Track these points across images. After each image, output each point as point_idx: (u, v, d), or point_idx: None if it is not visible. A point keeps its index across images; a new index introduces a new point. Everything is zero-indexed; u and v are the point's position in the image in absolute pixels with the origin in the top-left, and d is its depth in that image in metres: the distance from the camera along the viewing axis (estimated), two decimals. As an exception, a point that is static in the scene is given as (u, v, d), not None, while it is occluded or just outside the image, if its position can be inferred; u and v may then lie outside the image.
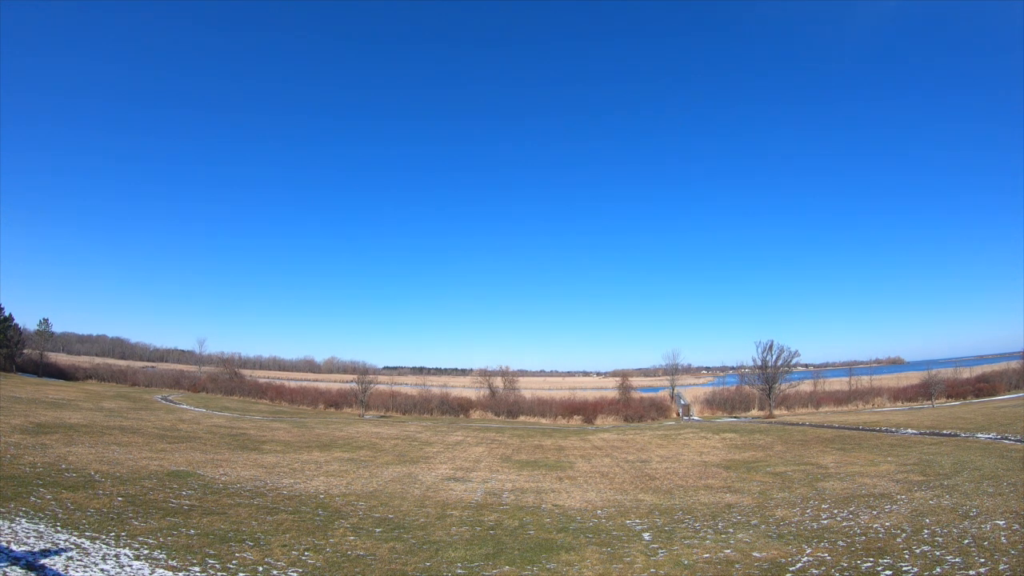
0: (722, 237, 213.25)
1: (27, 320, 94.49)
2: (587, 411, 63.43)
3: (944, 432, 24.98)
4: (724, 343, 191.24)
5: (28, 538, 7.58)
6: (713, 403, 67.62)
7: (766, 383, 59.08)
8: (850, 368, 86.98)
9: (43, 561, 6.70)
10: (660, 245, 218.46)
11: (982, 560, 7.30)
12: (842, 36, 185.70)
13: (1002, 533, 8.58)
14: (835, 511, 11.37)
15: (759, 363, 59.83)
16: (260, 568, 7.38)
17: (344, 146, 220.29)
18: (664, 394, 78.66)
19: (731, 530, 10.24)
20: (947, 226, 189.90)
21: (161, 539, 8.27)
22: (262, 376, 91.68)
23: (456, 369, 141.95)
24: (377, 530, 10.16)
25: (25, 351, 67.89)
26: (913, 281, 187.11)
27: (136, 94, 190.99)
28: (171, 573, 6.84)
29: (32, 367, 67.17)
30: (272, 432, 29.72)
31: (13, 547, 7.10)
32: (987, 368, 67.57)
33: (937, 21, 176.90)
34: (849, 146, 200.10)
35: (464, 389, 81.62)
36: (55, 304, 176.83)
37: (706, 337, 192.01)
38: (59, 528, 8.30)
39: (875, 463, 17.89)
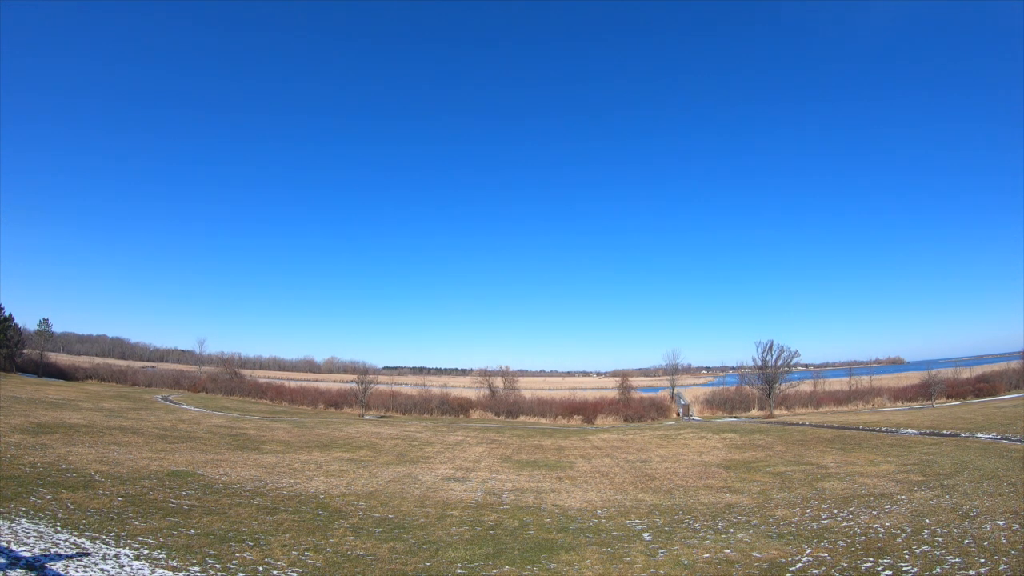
0: (722, 237, 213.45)
1: (27, 320, 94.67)
2: (587, 411, 63.43)
3: (944, 432, 24.98)
4: (724, 343, 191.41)
5: (28, 538, 7.58)
6: (713, 403, 67.62)
7: (766, 383, 59.09)
8: (850, 368, 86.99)
9: (43, 561, 6.70)
10: (660, 245, 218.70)
11: (982, 560, 7.30)
12: (843, 36, 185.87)
13: (1002, 533, 8.58)
14: (835, 511, 11.36)
15: (759, 363, 59.85)
16: (260, 568, 7.38)
17: (344, 146, 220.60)
18: (664, 394, 78.66)
19: (731, 530, 10.24)
20: (947, 226, 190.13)
21: (161, 539, 8.27)
22: (262, 376, 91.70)
23: (456, 369, 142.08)
24: (377, 530, 10.16)
25: (25, 351, 67.90)
26: (913, 281, 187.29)
27: (136, 94, 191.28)
28: (171, 573, 6.84)
29: (32, 367, 67.18)
30: (272, 432, 29.73)
31: (13, 547, 7.10)
32: (987, 368, 67.58)
33: (937, 21, 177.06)
34: (849, 146, 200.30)
35: (464, 389, 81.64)
36: (55, 304, 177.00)
37: (706, 337, 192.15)
38: (59, 528, 8.30)
39: (875, 463, 17.89)
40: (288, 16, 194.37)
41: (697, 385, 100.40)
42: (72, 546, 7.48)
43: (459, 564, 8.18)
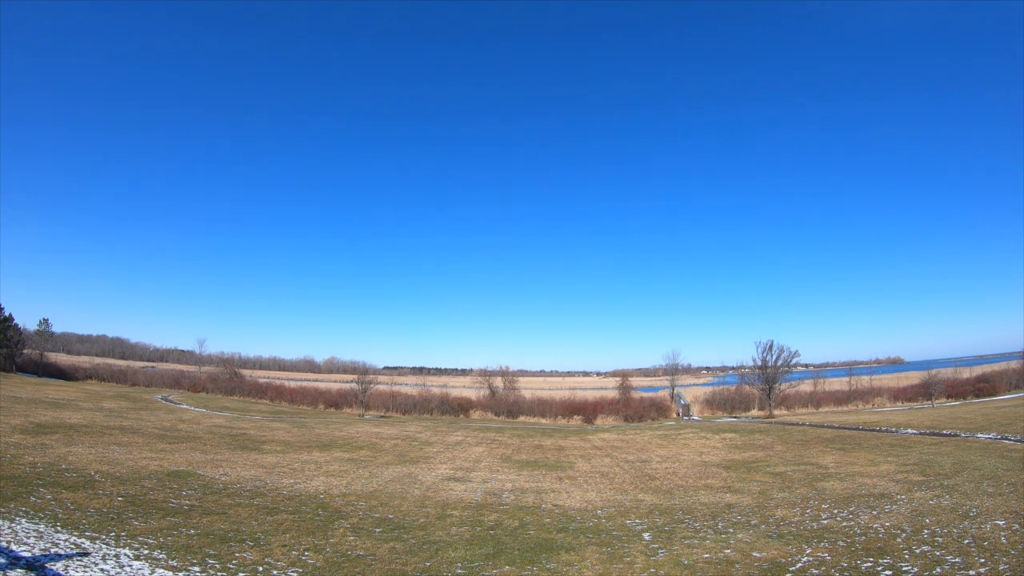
0: (722, 237, 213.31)
1: (27, 320, 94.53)
2: (587, 411, 63.44)
3: (944, 432, 24.98)
4: (724, 343, 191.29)
5: (28, 538, 7.58)
6: (713, 403, 67.62)
7: (766, 383, 59.08)
8: (850, 368, 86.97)
9: (43, 561, 6.70)
10: (660, 245, 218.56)
11: (982, 560, 7.30)
12: (843, 36, 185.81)
13: (1002, 533, 8.58)
14: (835, 511, 11.36)
15: (759, 363, 59.85)
16: (260, 568, 7.38)
17: (344, 146, 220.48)
18: (664, 394, 78.65)
19: (731, 530, 10.24)
20: (947, 226, 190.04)
21: (161, 539, 8.27)
22: (262, 376, 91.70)
23: (456, 369, 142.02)
24: (377, 530, 10.16)
25: (25, 351, 67.89)
26: (913, 281, 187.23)
27: (136, 94, 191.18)
28: (171, 573, 6.84)
29: (32, 367, 67.18)
30: (272, 432, 29.73)
31: (13, 547, 7.10)
32: (987, 368, 67.57)
33: (937, 21, 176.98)
34: (849, 146, 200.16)
35: (464, 389, 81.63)
36: (55, 304, 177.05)
37: (706, 337, 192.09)
38: (59, 528, 8.30)
39: (875, 463, 17.89)
40: (288, 16, 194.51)
41: (697, 385, 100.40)
42: (72, 546, 7.48)
43: (459, 564, 8.18)
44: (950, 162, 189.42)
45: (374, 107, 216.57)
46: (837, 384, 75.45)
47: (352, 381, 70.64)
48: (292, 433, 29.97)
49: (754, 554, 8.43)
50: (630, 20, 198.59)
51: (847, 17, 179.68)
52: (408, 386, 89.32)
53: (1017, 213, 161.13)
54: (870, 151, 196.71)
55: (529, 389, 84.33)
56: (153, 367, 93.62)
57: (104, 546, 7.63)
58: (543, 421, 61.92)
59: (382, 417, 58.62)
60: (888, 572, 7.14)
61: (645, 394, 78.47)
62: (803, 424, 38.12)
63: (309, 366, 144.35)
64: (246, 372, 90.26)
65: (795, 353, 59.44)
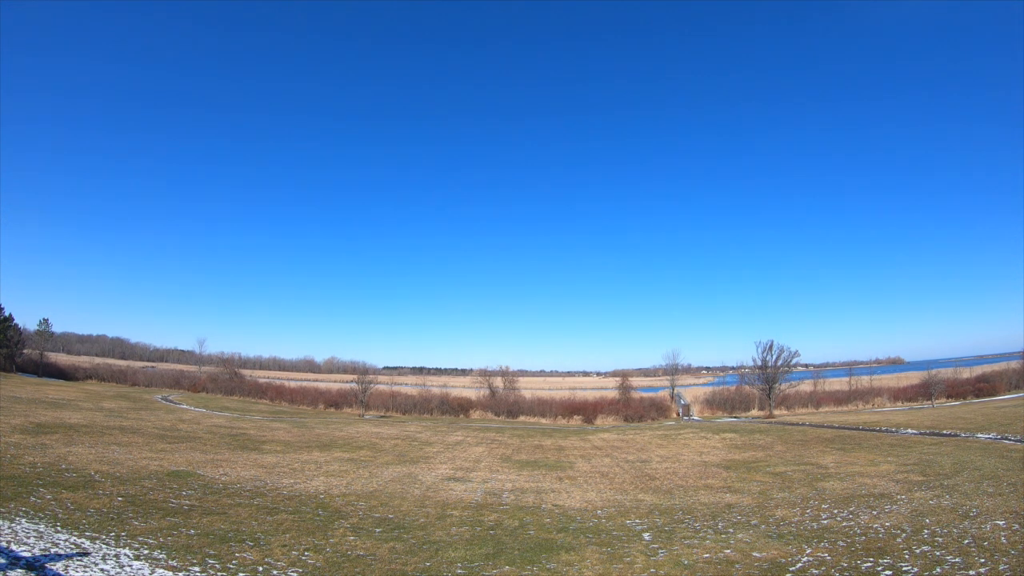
0: (722, 237, 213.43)
1: (27, 320, 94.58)
2: (587, 411, 63.43)
3: (944, 432, 24.98)
4: (724, 343, 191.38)
5: (28, 538, 7.58)
6: (713, 403, 67.62)
7: (766, 383, 59.08)
8: (850, 368, 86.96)
9: (43, 561, 6.70)
10: (660, 245, 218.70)
11: (982, 560, 7.30)
12: (843, 36, 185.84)
13: (1002, 533, 8.58)
14: (835, 511, 11.36)
15: (759, 363, 59.85)
16: (260, 568, 7.38)
17: (344, 146, 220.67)
18: (664, 394, 78.65)
19: (731, 530, 10.24)
20: (947, 226, 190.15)
21: (161, 539, 8.27)
22: (262, 376, 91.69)
23: (456, 369, 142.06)
24: (377, 530, 10.16)
25: (25, 351, 67.89)
26: (913, 281, 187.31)
27: (136, 94, 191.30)
28: (171, 573, 6.84)
29: (32, 367, 67.18)
30: (272, 432, 29.73)
31: (13, 547, 7.10)
32: (987, 368, 67.56)
33: (937, 21, 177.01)
34: (849, 146, 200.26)
35: (464, 389, 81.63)
36: (55, 304, 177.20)
37: (706, 337, 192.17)
38: (59, 528, 8.30)
39: (875, 463, 17.89)
40: (288, 16, 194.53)
41: (697, 385, 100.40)
42: (72, 546, 7.48)
43: (459, 564, 8.18)
44: (950, 162, 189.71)
45: (374, 107, 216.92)
46: (837, 384, 75.44)
47: (352, 381, 70.64)
48: (292, 433, 29.97)
49: (754, 554, 8.43)
50: (630, 20, 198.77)
51: (847, 17, 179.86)
52: (408, 386, 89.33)
53: (1017, 213, 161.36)
54: (870, 151, 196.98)
55: (529, 389, 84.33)
56: (153, 367, 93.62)
57: (104, 546, 7.63)
58: (543, 421, 61.92)
59: (382, 417, 58.62)
60: (888, 572, 7.14)
61: (645, 394, 78.46)
62: (803, 424, 38.12)
63: (309, 366, 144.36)
64: (246, 372, 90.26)
65: (795, 353, 59.51)
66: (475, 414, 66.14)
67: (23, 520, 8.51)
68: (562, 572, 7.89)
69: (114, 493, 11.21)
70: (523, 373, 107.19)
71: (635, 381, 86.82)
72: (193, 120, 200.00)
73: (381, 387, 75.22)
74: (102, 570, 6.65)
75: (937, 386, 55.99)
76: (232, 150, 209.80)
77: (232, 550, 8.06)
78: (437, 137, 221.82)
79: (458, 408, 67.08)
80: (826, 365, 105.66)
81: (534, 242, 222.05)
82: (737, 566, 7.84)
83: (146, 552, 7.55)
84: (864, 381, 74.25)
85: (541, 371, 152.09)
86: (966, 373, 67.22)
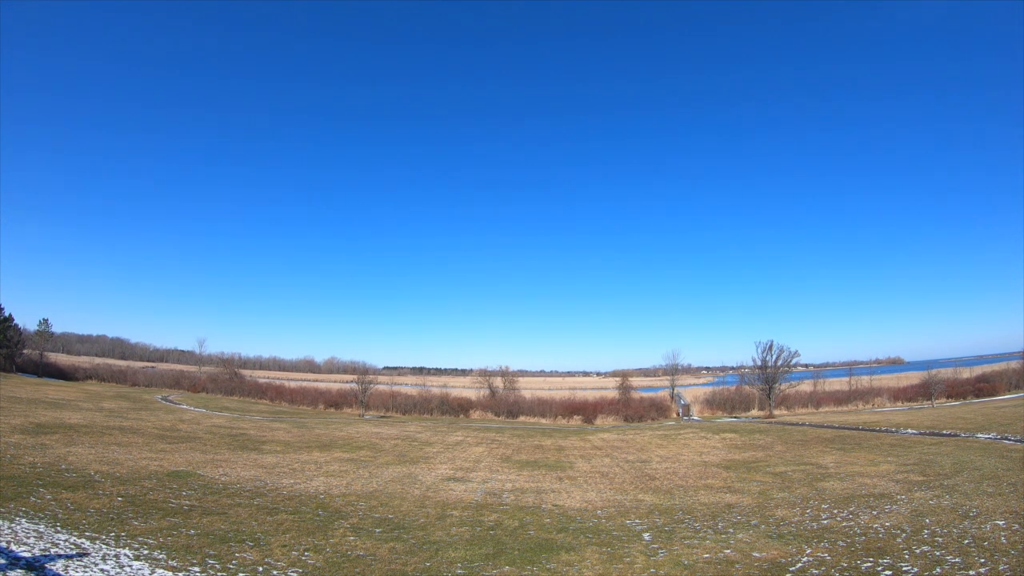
0: (722, 236, 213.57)
1: (27, 320, 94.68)
2: (587, 411, 63.42)
3: (944, 432, 24.97)
4: (724, 343, 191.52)
5: (28, 538, 7.58)
6: (713, 403, 67.61)
7: (766, 383, 59.07)
8: (850, 368, 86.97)
9: (43, 561, 6.69)
10: (660, 245, 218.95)
11: (982, 560, 7.30)
12: (843, 36, 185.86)
13: (1002, 533, 8.58)
14: (835, 511, 11.36)
15: (759, 363, 59.83)
16: (260, 568, 7.38)
17: (344, 146, 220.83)
18: (664, 394, 78.63)
19: (731, 530, 10.24)
20: (947, 226, 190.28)
21: (161, 539, 8.27)
22: (262, 376, 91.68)
23: (456, 369, 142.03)
24: (377, 530, 10.16)
25: (25, 351, 67.89)
26: (913, 281, 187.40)
27: (136, 94, 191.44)
28: (171, 573, 6.83)
29: (32, 367, 67.17)
30: (272, 432, 29.72)
31: (13, 547, 7.10)
32: (987, 368, 67.57)
33: (937, 21, 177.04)
34: (849, 146, 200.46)
35: (464, 389, 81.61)
36: (55, 304, 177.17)
37: (706, 337, 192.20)
38: (59, 528, 8.30)
39: (875, 463, 17.88)
40: (288, 16, 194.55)
41: (697, 385, 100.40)
42: (72, 546, 7.47)
43: (459, 564, 8.18)
44: (950, 162, 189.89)
45: (374, 107, 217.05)
46: (837, 384, 75.43)
47: (352, 381, 70.65)
48: (292, 433, 29.96)
49: (754, 554, 8.43)
50: (630, 20, 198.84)
51: (847, 17, 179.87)
52: (408, 386, 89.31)
53: (1017, 213, 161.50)
54: (870, 151, 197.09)
55: (529, 389, 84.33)
56: (153, 367, 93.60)
57: (104, 546, 7.63)
58: (543, 421, 61.91)
59: (382, 417, 58.61)
60: (888, 572, 7.14)
61: (645, 394, 78.45)
62: (803, 424, 38.12)
63: (309, 366, 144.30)
64: (246, 372, 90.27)
65: (795, 353, 59.49)
66: (475, 414, 66.13)
67: (23, 520, 8.51)
68: (562, 572, 7.89)
69: (114, 493, 11.21)
70: (523, 373, 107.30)
71: (635, 381, 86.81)
72: (193, 120, 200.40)
73: (381, 387, 75.22)
74: (102, 570, 6.65)
75: (937, 386, 55.98)
76: (232, 150, 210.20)
77: (232, 550, 8.06)
78: (437, 137, 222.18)
79: (458, 408, 67.06)
80: (826, 365, 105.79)
81: (534, 242, 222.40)
82: (737, 566, 7.84)
83: (146, 552, 7.55)
84: (864, 381, 74.24)
85: (541, 371, 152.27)
86: (966, 373, 67.21)
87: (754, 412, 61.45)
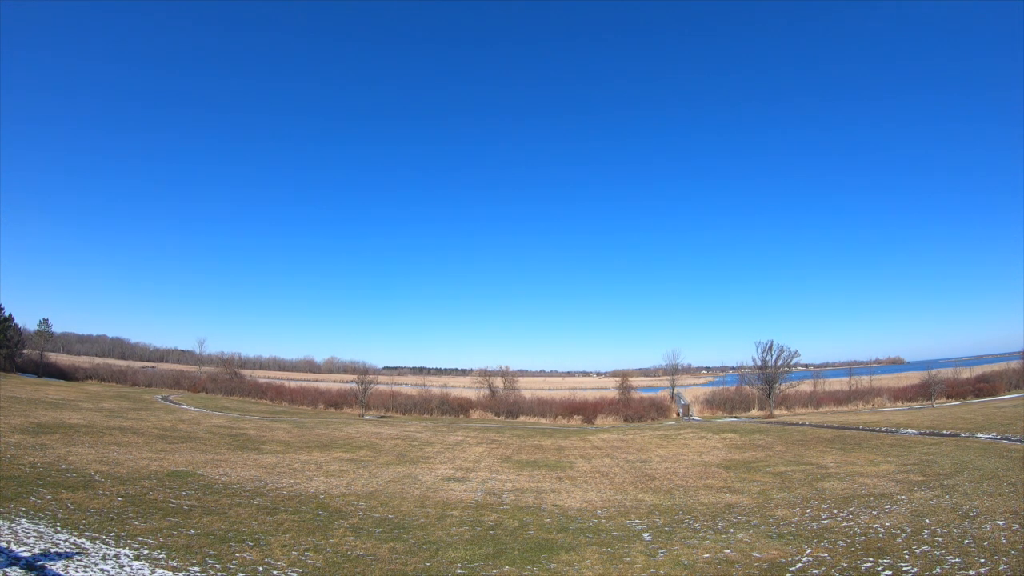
0: (722, 236, 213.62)
1: (27, 320, 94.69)
2: (587, 411, 63.41)
3: (944, 432, 24.97)
4: (724, 343, 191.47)
5: (28, 538, 7.58)
6: (713, 403, 67.59)
7: (766, 383, 59.06)
8: (850, 368, 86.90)
9: (43, 561, 6.69)
10: (660, 245, 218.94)
11: (982, 560, 7.30)
12: (843, 36, 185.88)
13: (1002, 533, 8.58)
14: (835, 511, 11.36)
15: (759, 363, 59.80)
16: (260, 568, 7.38)
17: (344, 146, 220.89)
18: (664, 394, 78.61)
19: (731, 530, 10.24)
20: (947, 226, 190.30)
21: (161, 539, 8.27)
22: (262, 376, 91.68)
23: (456, 369, 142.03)
24: (377, 530, 10.16)
25: (25, 351, 67.88)
26: (913, 281, 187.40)
27: (136, 94, 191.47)
28: (171, 573, 6.83)
29: (32, 367, 67.16)
30: (272, 432, 29.72)
31: (13, 547, 7.10)
32: (987, 368, 67.54)
33: (937, 21, 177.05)
34: (849, 146, 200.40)
35: (464, 389, 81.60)
36: (55, 304, 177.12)
37: (706, 337, 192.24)
38: (59, 528, 8.30)
39: (875, 463, 17.88)
40: (288, 16, 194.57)
41: (697, 385, 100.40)
42: (72, 546, 7.47)
43: (459, 564, 8.18)
44: (950, 162, 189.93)
45: (374, 107, 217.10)
46: (837, 384, 75.41)
47: (352, 381, 70.64)
48: (292, 433, 29.96)
49: (754, 554, 8.43)
50: (630, 20, 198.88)
51: (847, 17, 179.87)
52: (408, 386, 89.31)
53: (1017, 213, 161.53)
54: (870, 151, 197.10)
55: (529, 389, 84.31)
56: (153, 367, 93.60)
57: (104, 546, 7.63)
58: (543, 421, 61.91)
59: (382, 417, 58.61)
60: (888, 572, 7.14)
61: (645, 394, 78.43)
62: (803, 424, 38.12)
63: (309, 366, 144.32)
64: (246, 372, 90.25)
65: (795, 353, 59.47)
66: (475, 414, 66.12)
67: (23, 520, 8.51)
68: (562, 572, 7.89)
69: (114, 493, 11.21)
70: (523, 373, 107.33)
71: (635, 381, 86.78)
72: (193, 120, 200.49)
73: (381, 387, 75.20)
74: (102, 570, 6.65)
75: (937, 386, 55.97)
76: (232, 150, 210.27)
77: (232, 550, 8.06)
78: (437, 137, 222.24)
79: (458, 408, 67.06)
80: (826, 365, 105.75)
81: (534, 242, 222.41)
82: (737, 566, 7.84)
83: (146, 552, 7.55)
84: (864, 381, 74.22)
85: (541, 371, 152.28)
86: (966, 373, 67.20)
87: (754, 412, 61.43)
